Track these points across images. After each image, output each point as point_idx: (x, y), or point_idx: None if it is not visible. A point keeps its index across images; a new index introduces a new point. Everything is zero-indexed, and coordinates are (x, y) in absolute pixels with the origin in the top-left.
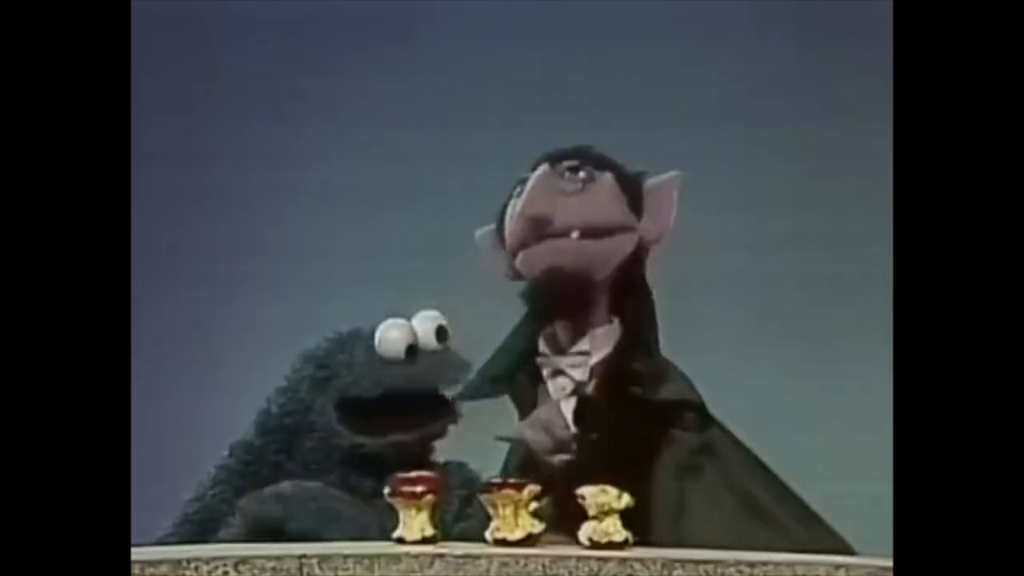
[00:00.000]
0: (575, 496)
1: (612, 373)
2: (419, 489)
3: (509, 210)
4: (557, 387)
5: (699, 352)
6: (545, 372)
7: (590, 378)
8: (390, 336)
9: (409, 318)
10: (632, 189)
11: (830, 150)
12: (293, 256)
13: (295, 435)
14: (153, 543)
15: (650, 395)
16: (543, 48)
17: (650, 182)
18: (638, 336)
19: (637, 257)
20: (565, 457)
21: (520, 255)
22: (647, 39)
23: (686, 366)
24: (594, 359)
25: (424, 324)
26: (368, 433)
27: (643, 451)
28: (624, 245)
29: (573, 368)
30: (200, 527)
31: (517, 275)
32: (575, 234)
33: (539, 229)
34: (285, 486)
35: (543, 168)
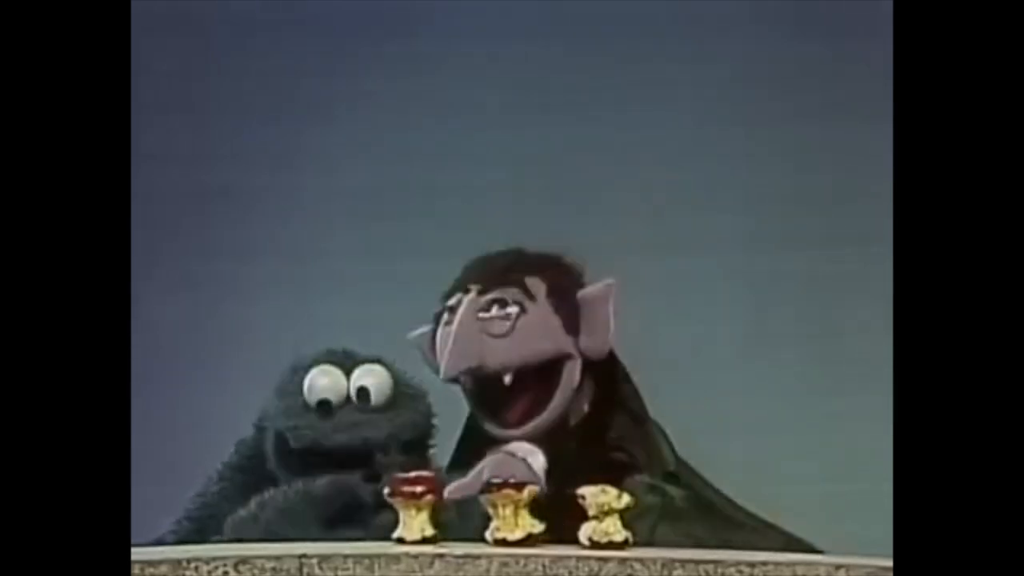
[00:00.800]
0: (575, 498)
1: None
2: (419, 489)
3: (439, 334)
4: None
5: (699, 352)
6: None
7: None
8: (316, 383)
9: (353, 363)
10: (567, 306)
11: (830, 150)
12: (293, 256)
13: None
14: (155, 541)
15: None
16: (543, 48)
17: (583, 294)
18: (616, 404)
19: (587, 364)
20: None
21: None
22: (647, 39)
23: (686, 366)
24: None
25: (358, 380)
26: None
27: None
28: (573, 375)
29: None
30: (202, 524)
31: (453, 380)
32: (507, 378)
33: (472, 376)
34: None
35: (469, 301)
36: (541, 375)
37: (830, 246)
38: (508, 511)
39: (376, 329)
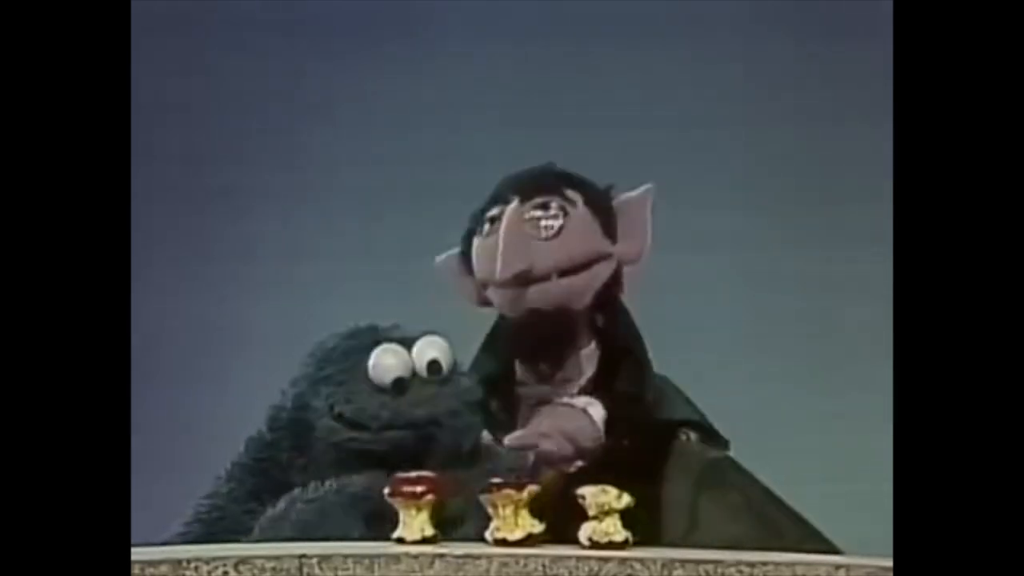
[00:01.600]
0: (575, 498)
1: (607, 392)
2: (419, 489)
3: (476, 243)
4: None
5: (699, 352)
6: (526, 399)
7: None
8: (382, 363)
9: (411, 342)
10: (604, 212)
11: (830, 149)
12: (293, 256)
13: (305, 430)
14: (165, 542)
15: (655, 414)
16: (543, 48)
17: (621, 200)
18: (624, 352)
19: (615, 278)
20: (579, 464)
21: (495, 294)
22: (647, 39)
23: (686, 366)
24: (581, 381)
25: (422, 353)
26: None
27: (655, 461)
28: (602, 272)
29: (561, 394)
30: (212, 526)
31: (485, 302)
32: (555, 276)
33: (520, 281)
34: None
35: (513, 209)
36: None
37: (830, 246)
38: (508, 511)
39: None
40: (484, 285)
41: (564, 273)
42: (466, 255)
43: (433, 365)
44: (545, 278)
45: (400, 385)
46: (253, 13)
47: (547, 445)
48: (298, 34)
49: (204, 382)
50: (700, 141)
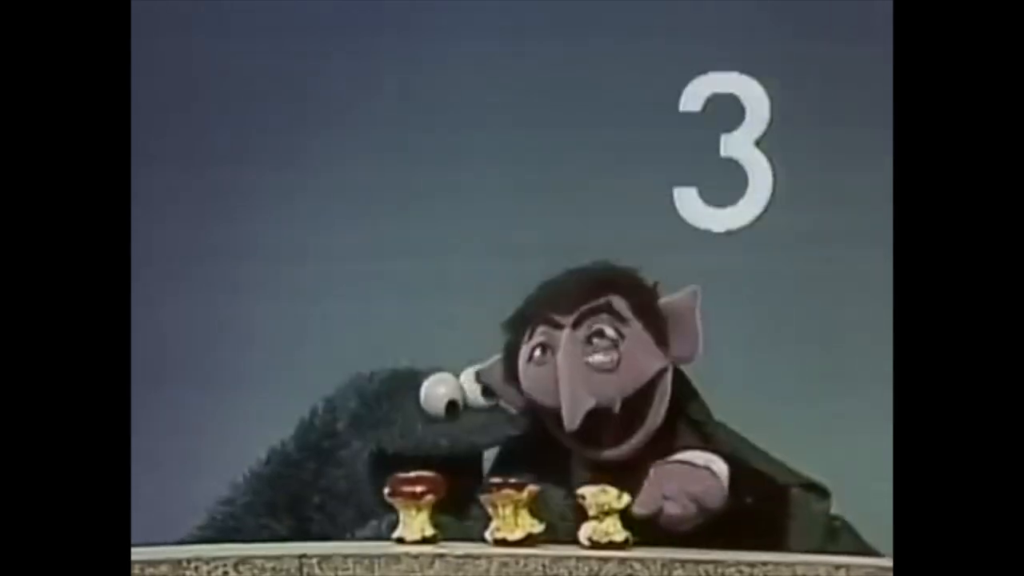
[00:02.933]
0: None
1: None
2: (419, 489)
3: (524, 366)
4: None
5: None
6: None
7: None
8: (435, 392)
9: (457, 373)
10: (654, 320)
11: (830, 150)
12: (293, 256)
13: (328, 459)
14: (181, 540)
15: (769, 471)
16: (543, 47)
17: (668, 303)
18: (683, 415)
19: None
20: (699, 523)
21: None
22: (647, 39)
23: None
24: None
25: (472, 380)
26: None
27: (778, 520)
28: (665, 390)
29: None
30: (224, 533)
31: (531, 411)
32: (617, 407)
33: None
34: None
35: (567, 344)
36: (637, 393)
37: (830, 246)
38: (508, 511)
39: (376, 328)
40: (535, 406)
41: (627, 400)
42: (509, 364)
43: (486, 391)
44: (610, 408)
45: (453, 409)
46: (253, 13)
47: (672, 509)
48: (299, 34)
49: (204, 382)
50: (700, 140)
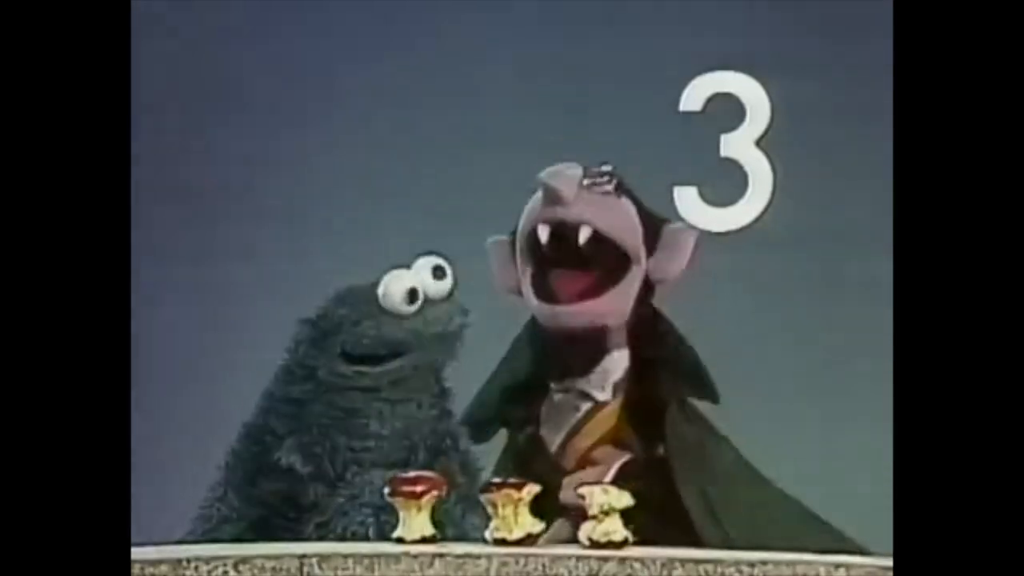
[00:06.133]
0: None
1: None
2: (419, 489)
3: (523, 222)
4: (568, 406)
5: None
6: (557, 396)
7: (613, 395)
8: (395, 284)
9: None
10: (651, 225)
11: (830, 150)
12: (293, 256)
13: (302, 404)
14: (176, 541)
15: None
16: (543, 46)
17: (671, 226)
18: (655, 359)
19: (646, 289)
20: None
21: (536, 307)
22: (648, 38)
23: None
24: (614, 377)
25: (423, 268)
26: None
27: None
28: (632, 286)
29: (594, 388)
30: (211, 521)
31: (521, 293)
32: (585, 231)
33: (552, 202)
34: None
35: (576, 166)
36: (605, 267)
37: (830, 246)
38: (508, 510)
39: None
40: (523, 272)
41: (592, 238)
42: (513, 241)
43: (438, 271)
44: (574, 226)
45: (414, 297)
46: (253, 13)
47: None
48: (297, 34)
49: (204, 382)
50: (701, 140)
